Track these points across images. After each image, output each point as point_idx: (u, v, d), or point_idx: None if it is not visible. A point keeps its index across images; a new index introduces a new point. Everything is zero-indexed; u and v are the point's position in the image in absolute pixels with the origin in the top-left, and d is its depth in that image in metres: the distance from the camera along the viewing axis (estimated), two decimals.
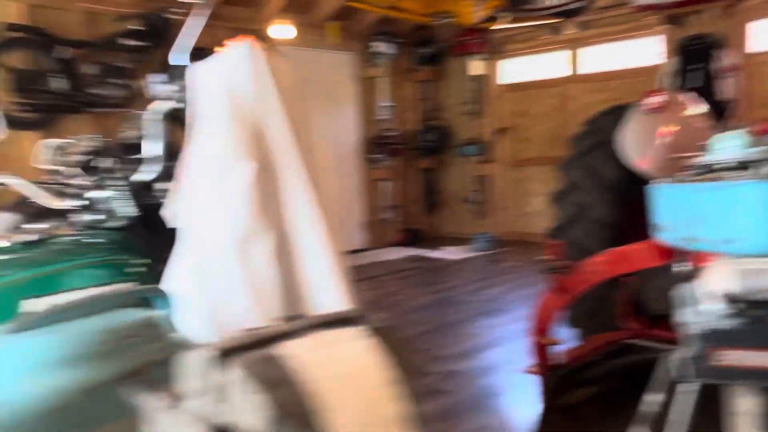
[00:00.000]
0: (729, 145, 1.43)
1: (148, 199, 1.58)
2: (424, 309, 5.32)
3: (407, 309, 5.32)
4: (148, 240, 1.58)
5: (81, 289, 1.28)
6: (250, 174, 1.28)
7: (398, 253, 8.04)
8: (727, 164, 1.42)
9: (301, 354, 0.43)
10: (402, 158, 8.92)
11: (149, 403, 0.49)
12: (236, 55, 1.35)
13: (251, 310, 1.26)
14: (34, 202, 2.15)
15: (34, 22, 5.78)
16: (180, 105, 1.48)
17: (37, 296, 1.21)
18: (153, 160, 1.54)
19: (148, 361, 0.90)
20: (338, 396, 0.41)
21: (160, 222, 1.69)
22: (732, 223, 1.35)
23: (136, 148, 1.60)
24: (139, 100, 6.20)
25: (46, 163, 2.60)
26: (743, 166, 1.39)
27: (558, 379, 2.47)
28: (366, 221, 8.53)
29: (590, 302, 2.88)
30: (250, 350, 0.44)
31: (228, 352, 0.44)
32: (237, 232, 1.27)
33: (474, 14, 7.79)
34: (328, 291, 1.41)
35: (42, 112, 5.56)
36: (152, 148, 1.53)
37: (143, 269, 1.42)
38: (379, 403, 0.42)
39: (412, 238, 8.68)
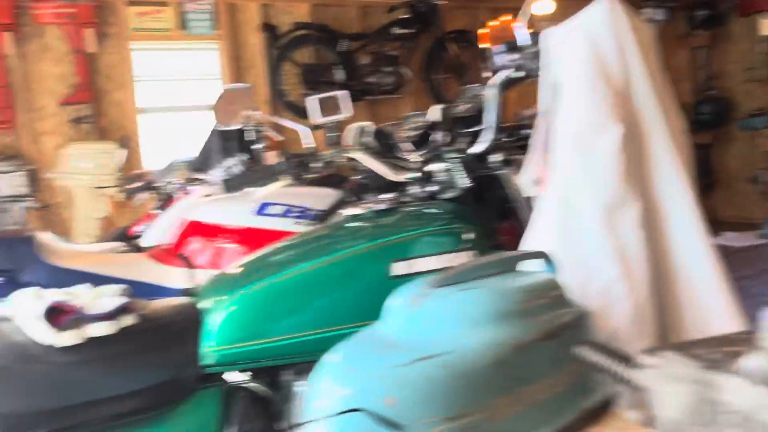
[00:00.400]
0: None
1: (480, 170, 1.59)
2: None
3: None
4: (479, 210, 1.60)
5: (432, 255, 1.34)
6: (617, 138, 1.21)
7: None
8: None
9: None
10: None
11: (667, 363, 0.44)
12: (597, 11, 1.29)
13: (619, 281, 1.20)
14: (355, 177, 2.33)
15: (316, 19, 6.37)
16: (517, 74, 1.46)
17: (402, 259, 1.29)
18: (486, 131, 1.54)
19: (562, 322, 0.88)
20: None
21: (492, 192, 1.70)
22: None
23: (469, 120, 1.63)
24: (408, 85, 6.53)
25: (355, 144, 2.82)
26: None
27: None
28: None
29: None
30: None
31: None
32: (604, 199, 1.21)
33: None
34: (702, 266, 1.28)
35: None
36: (487, 119, 1.54)
37: (476, 237, 1.44)
38: None
39: None
